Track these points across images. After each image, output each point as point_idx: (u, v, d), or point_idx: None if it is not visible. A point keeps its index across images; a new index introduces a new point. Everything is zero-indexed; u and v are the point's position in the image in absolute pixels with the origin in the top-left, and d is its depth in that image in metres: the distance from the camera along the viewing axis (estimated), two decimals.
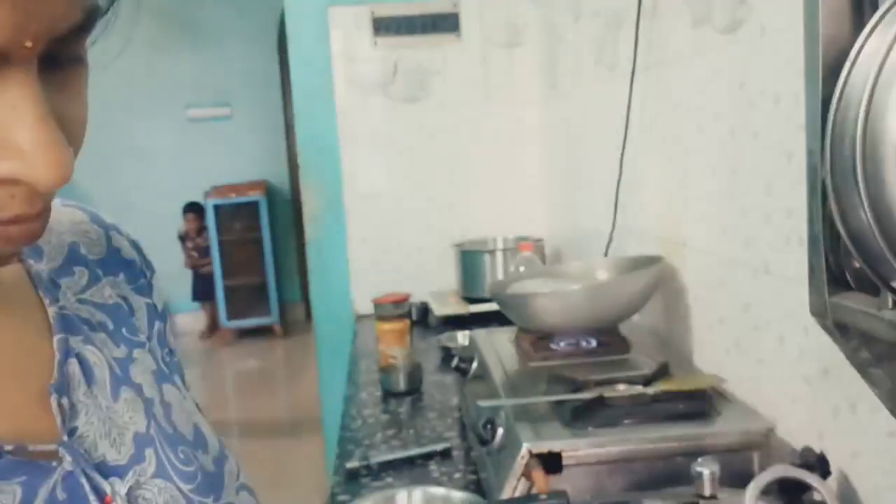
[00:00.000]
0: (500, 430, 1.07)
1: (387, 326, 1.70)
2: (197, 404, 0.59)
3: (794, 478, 0.78)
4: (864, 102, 0.53)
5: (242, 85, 6.11)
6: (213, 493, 0.52)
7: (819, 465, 0.86)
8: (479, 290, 2.16)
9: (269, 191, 6.03)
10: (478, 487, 1.17)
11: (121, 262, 0.58)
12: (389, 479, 1.24)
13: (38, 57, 0.36)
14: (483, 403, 1.12)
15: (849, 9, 0.60)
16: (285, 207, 6.16)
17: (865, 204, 0.54)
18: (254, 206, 5.83)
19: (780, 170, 1.01)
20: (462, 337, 1.92)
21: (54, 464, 0.44)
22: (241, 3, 5.98)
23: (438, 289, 2.39)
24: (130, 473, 0.48)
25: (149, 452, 0.49)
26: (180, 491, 0.50)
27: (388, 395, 1.64)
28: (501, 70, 2.47)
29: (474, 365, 1.38)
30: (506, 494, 0.97)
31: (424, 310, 2.22)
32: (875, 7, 0.58)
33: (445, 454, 1.30)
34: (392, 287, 2.27)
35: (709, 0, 1.19)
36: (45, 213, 0.39)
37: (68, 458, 0.45)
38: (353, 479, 1.24)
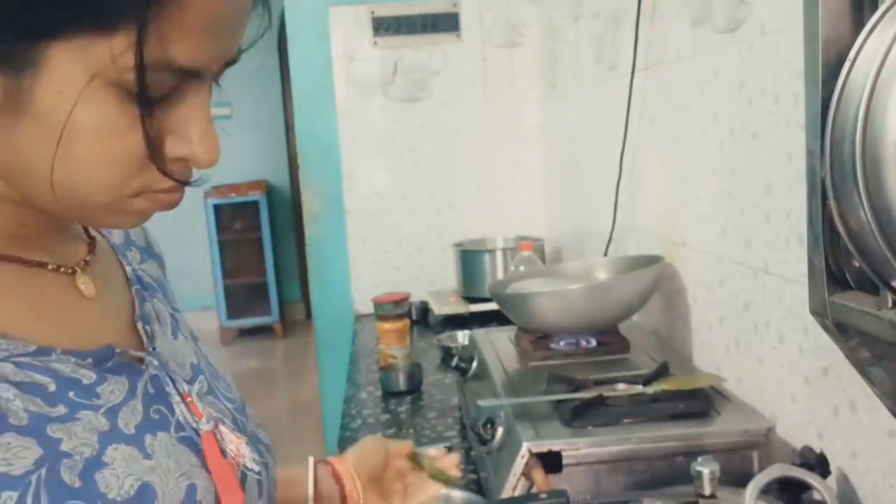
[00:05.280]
0: (500, 430, 1.07)
1: (387, 326, 1.70)
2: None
3: (793, 477, 0.78)
4: (864, 102, 0.53)
5: (242, 85, 6.08)
6: (244, 417, 0.67)
7: (818, 464, 0.86)
8: (479, 290, 2.16)
9: (269, 191, 6.02)
10: (478, 487, 1.17)
11: (154, 253, 0.74)
12: None
13: None
14: (483, 403, 1.12)
15: (849, 9, 0.60)
16: (285, 207, 6.15)
17: (865, 204, 0.54)
18: (254, 205, 5.82)
19: (780, 170, 1.01)
20: (462, 336, 1.92)
21: (143, 367, 0.58)
22: None
23: (438, 289, 2.39)
24: (194, 384, 0.62)
25: (201, 378, 0.64)
26: (226, 406, 0.65)
27: (388, 394, 1.64)
28: (501, 70, 2.47)
29: (474, 364, 1.38)
30: (506, 493, 0.97)
31: (424, 309, 2.23)
32: (875, 7, 0.58)
33: None
34: (392, 287, 2.28)
35: (708, 0, 1.19)
36: (183, 190, 0.54)
37: (154, 364, 0.59)
38: None
